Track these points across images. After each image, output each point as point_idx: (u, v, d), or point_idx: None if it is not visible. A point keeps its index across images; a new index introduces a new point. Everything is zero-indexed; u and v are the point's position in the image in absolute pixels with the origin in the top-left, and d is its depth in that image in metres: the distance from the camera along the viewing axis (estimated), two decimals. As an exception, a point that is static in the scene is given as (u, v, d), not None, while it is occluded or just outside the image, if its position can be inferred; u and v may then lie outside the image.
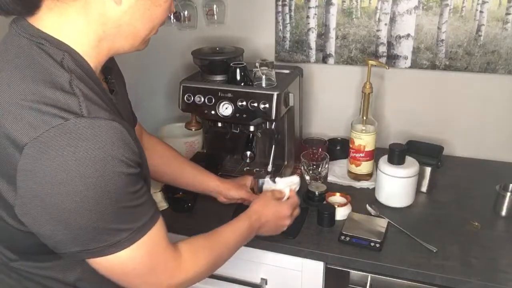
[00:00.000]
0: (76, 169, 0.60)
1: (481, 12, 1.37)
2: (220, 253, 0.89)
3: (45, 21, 0.69)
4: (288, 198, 1.10)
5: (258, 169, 1.39)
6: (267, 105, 1.21)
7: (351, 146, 1.36)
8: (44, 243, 0.68)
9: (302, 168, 1.34)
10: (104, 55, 0.74)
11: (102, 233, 0.65)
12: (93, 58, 0.72)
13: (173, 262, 0.77)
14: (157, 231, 0.73)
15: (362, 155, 1.34)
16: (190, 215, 1.25)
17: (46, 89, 0.62)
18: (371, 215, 1.21)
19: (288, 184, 1.12)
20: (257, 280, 1.21)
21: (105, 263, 0.69)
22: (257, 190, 1.19)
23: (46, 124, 0.59)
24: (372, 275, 1.09)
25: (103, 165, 0.61)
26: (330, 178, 1.39)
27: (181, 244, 0.80)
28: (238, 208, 1.20)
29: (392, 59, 1.50)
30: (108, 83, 0.85)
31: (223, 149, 1.46)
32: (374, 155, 1.36)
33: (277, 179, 1.14)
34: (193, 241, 0.85)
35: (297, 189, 1.14)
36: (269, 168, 1.35)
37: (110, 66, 0.86)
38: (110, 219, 0.65)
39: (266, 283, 1.21)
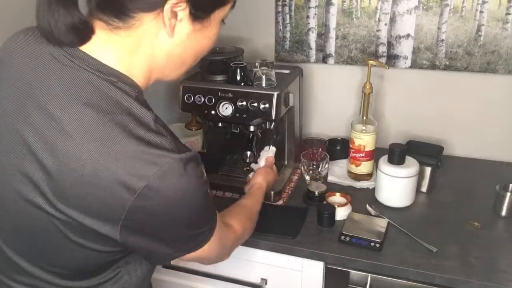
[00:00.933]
0: (182, 200, 0.68)
1: (481, 12, 1.37)
2: (253, 219, 1.04)
3: (100, 53, 0.68)
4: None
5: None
6: (267, 105, 1.21)
7: (351, 146, 1.36)
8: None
9: (302, 168, 1.34)
10: (150, 84, 0.78)
11: (195, 236, 0.75)
12: (144, 88, 0.75)
13: (231, 234, 0.89)
14: (219, 220, 0.82)
15: (362, 155, 1.34)
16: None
17: (141, 130, 0.65)
18: (371, 215, 1.21)
19: (264, 156, 1.27)
20: (257, 280, 1.21)
21: (193, 256, 0.77)
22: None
23: (155, 165, 0.64)
24: (372, 275, 1.09)
25: (199, 191, 0.70)
26: (330, 178, 1.39)
27: (224, 217, 0.90)
28: None
29: (392, 59, 1.50)
30: None
31: (223, 149, 1.47)
32: (374, 155, 1.36)
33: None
34: (229, 211, 0.98)
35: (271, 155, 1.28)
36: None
37: None
38: (200, 225, 0.75)
39: (266, 283, 1.21)
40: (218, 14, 0.77)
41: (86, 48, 0.68)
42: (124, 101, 0.66)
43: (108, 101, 0.65)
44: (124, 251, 0.75)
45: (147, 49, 0.71)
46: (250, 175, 1.26)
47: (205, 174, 0.74)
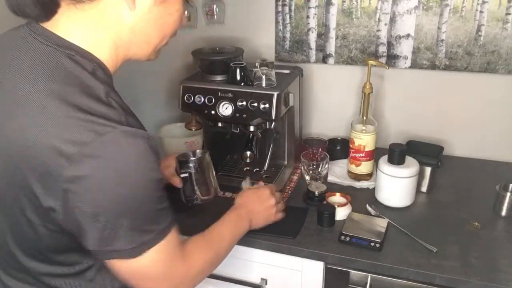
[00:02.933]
0: (121, 176, 0.65)
1: (481, 12, 1.37)
2: (218, 248, 0.93)
3: (65, 29, 0.70)
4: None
5: (258, 169, 1.40)
6: (267, 105, 1.21)
7: (351, 146, 1.36)
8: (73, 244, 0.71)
9: (302, 168, 1.34)
10: (119, 63, 0.77)
11: (133, 232, 0.69)
12: (112, 65, 0.75)
13: (184, 267, 0.80)
14: (175, 236, 0.77)
15: (362, 155, 1.34)
16: (190, 214, 1.25)
17: (89, 100, 0.65)
18: (371, 215, 1.21)
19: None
20: (257, 280, 1.21)
21: (129, 266, 0.72)
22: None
23: (95, 133, 0.63)
24: (372, 275, 1.09)
25: (143, 173, 0.67)
26: (330, 178, 1.39)
27: (184, 246, 0.82)
28: None
29: (392, 59, 1.50)
30: None
31: (223, 149, 1.47)
32: (374, 155, 1.36)
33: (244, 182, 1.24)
34: (191, 241, 0.86)
35: None
36: (265, 167, 1.36)
37: None
38: (141, 219, 0.70)
39: (266, 283, 1.21)
40: None
41: (51, 24, 0.70)
42: (78, 73, 0.68)
43: (60, 72, 0.67)
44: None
45: (111, 24, 0.72)
46: (242, 183, 1.23)
47: (159, 167, 0.70)
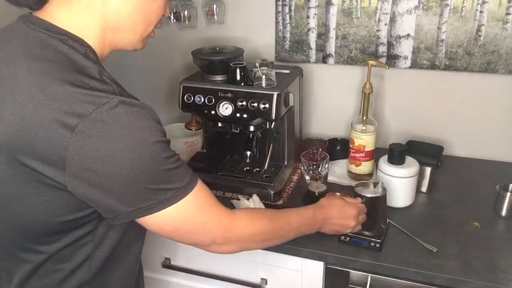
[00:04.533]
0: (124, 141, 0.67)
1: (481, 12, 1.37)
2: (280, 226, 0.95)
3: (56, 16, 0.73)
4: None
5: (258, 169, 1.40)
6: (267, 105, 1.21)
7: (351, 146, 1.36)
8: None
9: (302, 168, 1.34)
10: (107, 48, 0.80)
11: (151, 193, 0.73)
12: (100, 51, 0.78)
13: (226, 218, 0.84)
14: (202, 189, 0.80)
15: (362, 155, 1.34)
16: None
17: (83, 77, 0.68)
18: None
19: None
20: (257, 280, 1.21)
21: (156, 221, 0.76)
22: None
23: (93, 104, 0.66)
24: (372, 275, 1.09)
25: (145, 136, 0.70)
26: (330, 178, 1.39)
27: (239, 209, 0.87)
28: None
29: (392, 59, 1.50)
30: None
31: (223, 149, 1.46)
32: (374, 155, 1.36)
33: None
34: (254, 209, 0.92)
35: None
36: (265, 167, 1.35)
37: None
38: (156, 181, 0.73)
39: (266, 283, 1.21)
40: None
41: (42, 12, 0.74)
42: (71, 55, 0.71)
43: (54, 53, 0.70)
44: (81, 211, 0.74)
45: (97, 9, 0.75)
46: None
47: (161, 131, 0.74)
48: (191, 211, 0.78)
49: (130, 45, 0.83)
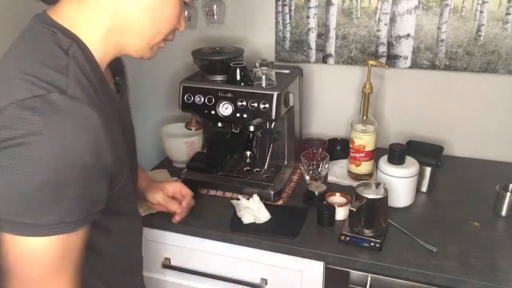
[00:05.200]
0: (42, 139, 0.62)
1: (481, 12, 1.37)
2: None
3: (63, 13, 0.74)
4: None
5: (258, 169, 1.40)
6: (267, 105, 1.21)
7: (351, 146, 1.36)
8: None
9: (302, 168, 1.35)
10: (111, 50, 0.78)
11: (35, 208, 0.64)
12: (101, 51, 0.76)
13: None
14: (80, 240, 0.71)
15: (362, 155, 1.34)
16: (190, 213, 1.25)
17: (43, 67, 0.67)
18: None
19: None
20: (257, 280, 1.21)
21: (16, 244, 0.66)
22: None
23: (30, 92, 0.64)
24: (372, 275, 1.09)
25: (67, 144, 0.63)
26: (330, 178, 1.39)
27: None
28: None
29: (392, 59, 1.50)
30: (116, 84, 0.88)
31: (223, 149, 1.46)
32: (374, 155, 1.36)
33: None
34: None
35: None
36: (265, 167, 1.36)
37: (120, 69, 0.92)
38: (50, 197, 0.64)
39: (266, 283, 1.21)
40: None
41: (55, 6, 0.75)
42: (51, 46, 0.70)
43: (37, 43, 0.71)
44: None
45: (106, 7, 0.73)
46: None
47: (94, 152, 0.66)
48: (53, 253, 0.68)
49: (137, 52, 0.81)
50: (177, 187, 1.17)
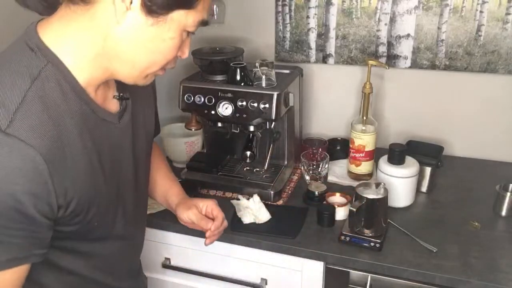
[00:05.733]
0: None
1: (481, 12, 1.37)
2: None
3: (52, 27, 0.70)
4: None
5: (258, 169, 1.40)
6: (267, 105, 1.21)
7: (351, 146, 1.36)
8: None
9: (302, 168, 1.34)
10: (100, 73, 0.72)
11: None
12: (86, 73, 0.71)
13: None
14: (6, 282, 0.67)
15: (362, 155, 1.34)
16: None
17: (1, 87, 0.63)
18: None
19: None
20: (257, 280, 1.21)
21: None
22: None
23: None
24: (372, 275, 1.09)
25: None
26: (330, 178, 1.39)
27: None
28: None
29: (392, 59, 1.50)
30: (121, 100, 0.82)
31: (223, 149, 1.47)
32: (374, 155, 1.36)
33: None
34: None
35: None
36: (265, 167, 1.36)
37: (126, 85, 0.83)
38: None
39: (266, 283, 1.21)
40: (178, 17, 0.69)
41: (44, 21, 0.71)
42: (23, 64, 0.66)
43: (11, 58, 0.67)
44: None
45: (97, 31, 0.68)
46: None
47: (47, 202, 0.64)
48: None
49: (128, 79, 0.75)
50: (209, 206, 1.07)
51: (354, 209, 1.09)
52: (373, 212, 1.10)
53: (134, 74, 0.74)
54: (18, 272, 0.68)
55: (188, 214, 1.04)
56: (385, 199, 1.11)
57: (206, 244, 1.06)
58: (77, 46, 0.69)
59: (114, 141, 0.79)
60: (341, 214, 1.19)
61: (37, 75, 0.66)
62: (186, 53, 0.78)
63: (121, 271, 0.94)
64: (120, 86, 0.80)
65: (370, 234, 1.10)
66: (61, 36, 0.69)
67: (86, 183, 0.72)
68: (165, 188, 1.10)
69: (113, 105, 0.80)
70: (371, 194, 1.11)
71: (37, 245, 0.68)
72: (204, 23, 0.74)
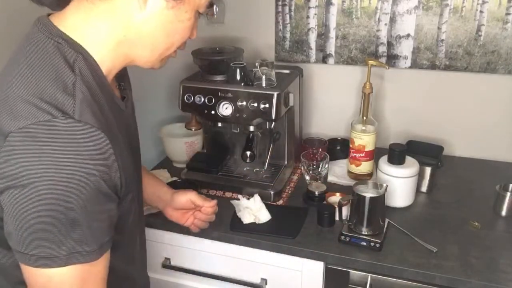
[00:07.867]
0: (47, 168, 0.60)
1: (481, 12, 1.37)
2: None
3: (69, 20, 0.70)
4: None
5: (258, 169, 1.40)
6: (267, 105, 1.21)
7: (351, 146, 1.36)
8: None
9: (302, 168, 1.34)
10: (120, 61, 0.75)
11: (45, 240, 0.63)
12: (109, 62, 0.72)
13: None
14: (100, 268, 0.69)
15: (362, 155, 1.34)
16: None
17: (48, 87, 0.63)
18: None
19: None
20: (257, 280, 1.21)
21: (34, 275, 0.66)
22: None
23: (34, 117, 0.61)
24: (372, 275, 1.09)
25: (73, 171, 0.61)
26: (330, 178, 1.39)
27: None
28: None
29: (392, 59, 1.50)
30: (121, 90, 0.85)
31: (223, 149, 1.47)
32: (374, 155, 1.36)
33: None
34: None
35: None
36: (265, 167, 1.35)
37: (124, 73, 0.88)
38: (58, 229, 0.63)
39: (266, 283, 1.21)
40: None
41: (59, 14, 0.71)
42: (57, 61, 0.66)
43: (41, 58, 0.67)
44: None
45: (118, 20, 0.70)
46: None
47: (103, 177, 0.64)
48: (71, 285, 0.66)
49: (147, 64, 0.78)
50: (187, 198, 1.10)
51: (343, 201, 1.11)
52: (371, 211, 1.10)
53: (153, 58, 0.77)
54: (106, 258, 0.70)
55: (190, 195, 1.09)
56: (382, 197, 1.11)
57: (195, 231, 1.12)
58: (99, 36, 0.70)
59: (129, 129, 0.82)
60: (341, 214, 1.19)
61: (73, 67, 0.67)
62: (194, 34, 0.80)
63: (140, 261, 0.96)
64: (117, 75, 0.82)
65: (368, 233, 1.10)
66: (81, 28, 0.70)
67: (126, 164, 0.74)
68: (154, 187, 1.12)
69: (118, 94, 0.82)
70: (368, 192, 1.11)
71: (112, 226, 0.71)
72: (211, 4, 0.82)
